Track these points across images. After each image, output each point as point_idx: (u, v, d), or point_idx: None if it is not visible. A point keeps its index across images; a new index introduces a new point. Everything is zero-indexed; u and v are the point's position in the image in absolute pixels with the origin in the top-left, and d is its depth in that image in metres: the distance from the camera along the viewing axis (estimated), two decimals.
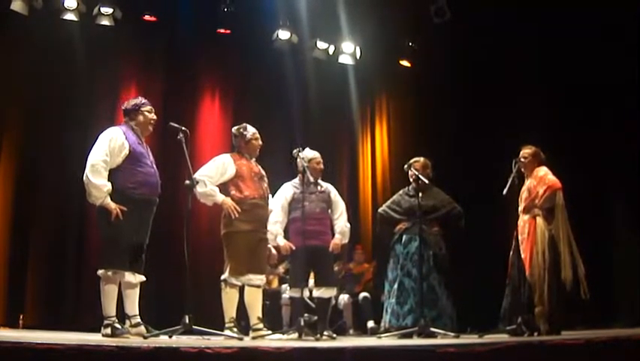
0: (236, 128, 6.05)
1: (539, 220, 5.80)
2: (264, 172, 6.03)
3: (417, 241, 6.34)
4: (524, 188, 6.00)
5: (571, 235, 5.74)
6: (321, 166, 6.58)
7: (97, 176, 4.97)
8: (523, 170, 6.03)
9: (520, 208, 5.95)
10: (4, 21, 8.21)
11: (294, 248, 6.31)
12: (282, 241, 6.38)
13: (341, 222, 6.59)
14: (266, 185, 5.97)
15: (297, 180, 6.52)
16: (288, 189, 6.48)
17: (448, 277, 6.51)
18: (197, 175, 5.62)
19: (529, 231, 5.81)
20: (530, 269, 5.70)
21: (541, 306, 5.57)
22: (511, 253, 5.98)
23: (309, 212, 6.20)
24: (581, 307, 5.76)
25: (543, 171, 5.94)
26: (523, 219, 5.91)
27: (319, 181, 6.62)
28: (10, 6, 8.05)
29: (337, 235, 6.53)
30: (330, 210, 6.61)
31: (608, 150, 8.51)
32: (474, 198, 7.72)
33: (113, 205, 4.97)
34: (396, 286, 6.46)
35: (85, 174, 5.00)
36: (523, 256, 5.75)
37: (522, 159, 6.01)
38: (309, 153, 6.55)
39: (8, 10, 8.05)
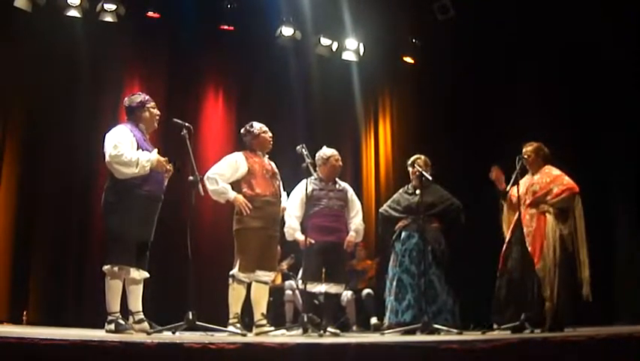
0: (243, 128, 6.10)
1: (550, 217, 5.83)
2: (276, 170, 6.05)
3: (415, 237, 6.39)
4: (529, 182, 6.00)
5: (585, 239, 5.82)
6: (340, 163, 6.62)
7: (125, 165, 4.98)
8: (527, 167, 6.06)
9: (527, 202, 5.92)
10: (8, 18, 8.22)
11: (312, 242, 6.25)
12: (300, 236, 6.39)
13: (357, 221, 6.60)
14: (278, 182, 6.00)
15: (315, 178, 6.53)
16: (302, 188, 6.49)
17: (448, 272, 6.51)
18: (209, 173, 5.74)
19: (538, 225, 5.83)
20: (540, 263, 5.70)
21: (551, 302, 5.60)
22: (505, 245, 5.98)
23: (327, 209, 6.28)
24: (586, 307, 5.79)
25: (556, 170, 6.00)
26: (529, 213, 5.90)
27: (337, 180, 6.65)
28: (14, 3, 8.07)
29: (352, 233, 6.54)
30: (346, 209, 6.61)
31: (609, 148, 8.50)
32: (476, 194, 7.71)
33: (162, 159, 5.07)
34: (395, 282, 6.50)
35: (118, 174, 5.00)
36: (530, 248, 5.75)
37: (525, 157, 6.01)
38: (327, 151, 6.59)
39: (12, 7, 8.07)
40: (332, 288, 6.41)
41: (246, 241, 5.73)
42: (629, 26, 7.98)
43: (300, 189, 6.44)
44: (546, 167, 6.05)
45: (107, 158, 5.01)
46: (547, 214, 5.85)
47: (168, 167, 5.13)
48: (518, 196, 5.86)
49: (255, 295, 5.79)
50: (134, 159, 4.98)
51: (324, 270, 6.49)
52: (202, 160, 7.98)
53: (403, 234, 6.62)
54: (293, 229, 6.44)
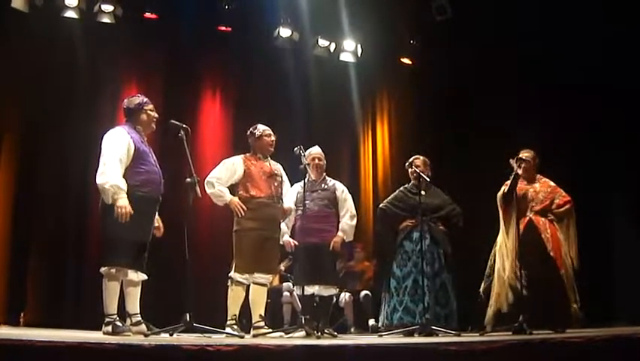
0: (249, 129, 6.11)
1: (557, 225, 6.19)
2: (278, 171, 6.05)
3: (427, 238, 6.28)
4: (532, 189, 6.28)
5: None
6: (317, 162, 6.52)
7: (112, 176, 4.95)
8: (523, 172, 6.20)
9: (535, 208, 6.21)
10: (5, 18, 8.21)
11: (296, 244, 6.34)
12: (287, 239, 6.40)
13: (345, 220, 6.51)
14: (277, 184, 6.00)
15: (307, 180, 6.53)
16: (296, 189, 6.49)
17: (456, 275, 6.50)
18: (207, 177, 5.82)
19: (552, 233, 6.13)
20: (563, 268, 5.99)
21: (576, 304, 5.93)
22: (516, 249, 6.01)
23: (308, 210, 6.22)
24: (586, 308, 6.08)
25: (551, 181, 6.35)
26: (541, 220, 6.19)
27: (326, 178, 6.60)
28: (11, 3, 8.05)
29: (339, 233, 6.47)
30: (335, 208, 6.54)
31: (609, 151, 8.50)
32: (474, 196, 7.70)
33: (120, 205, 4.91)
34: (409, 283, 6.36)
35: (99, 178, 4.97)
36: (552, 254, 6.02)
37: (530, 161, 6.26)
38: (309, 150, 6.55)
39: (9, 8, 8.06)
40: (322, 290, 6.35)
41: (241, 243, 5.79)
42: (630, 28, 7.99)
43: (291, 194, 6.41)
44: (540, 176, 6.38)
45: (102, 162, 5.02)
46: (554, 223, 6.20)
47: (123, 215, 4.92)
48: (518, 200, 6.10)
49: (253, 297, 5.80)
50: (105, 173, 4.95)
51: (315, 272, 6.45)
52: (200, 162, 7.97)
53: (415, 234, 6.47)
54: (282, 232, 6.42)
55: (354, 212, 6.59)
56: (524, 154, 6.26)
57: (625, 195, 8.52)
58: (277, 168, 6.11)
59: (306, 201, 6.24)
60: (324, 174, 6.63)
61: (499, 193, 6.27)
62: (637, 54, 8.04)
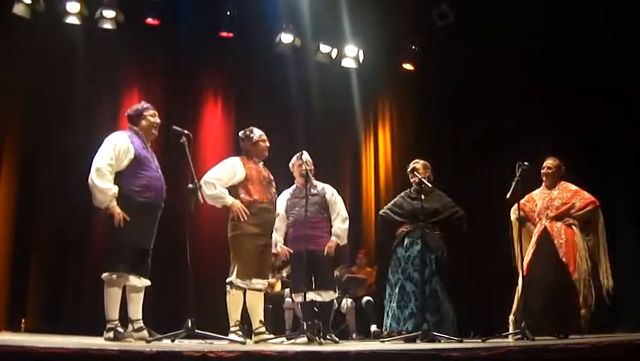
0: (242, 131, 6.02)
1: (576, 229, 6.21)
2: (272, 177, 6.01)
3: (419, 244, 6.21)
4: (548, 196, 6.36)
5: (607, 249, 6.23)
6: (304, 166, 6.47)
7: (102, 179, 4.97)
8: (544, 179, 6.44)
9: (550, 215, 6.26)
10: (6, 24, 8.22)
11: (291, 252, 6.35)
12: (279, 248, 6.38)
13: (337, 224, 6.45)
14: (274, 190, 5.97)
15: (293, 187, 6.53)
16: (284, 197, 6.48)
17: (449, 281, 6.45)
18: (206, 177, 5.69)
19: (567, 237, 6.16)
20: (577, 273, 6.01)
21: (587, 309, 5.93)
22: (530, 256, 6.16)
23: (300, 217, 6.20)
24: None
25: (573, 185, 6.41)
26: (556, 226, 6.22)
27: (314, 183, 6.52)
28: (12, 9, 8.07)
29: (332, 238, 6.41)
30: (327, 212, 6.50)
31: (610, 155, 8.50)
32: (476, 202, 7.68)
33: (117, 210, 4.96)
34: (397, 289, 6.32)
35: (90, 178, 5.00)
36: (564, 259, 6.06)
37: (547, 169, 6.42)
38: (295, 155, 6.50)
39: (10, 14, 8.07)
40: (320, 296, 6.31)
41: (242, 247, 5.67)
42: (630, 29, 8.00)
43: (280, 203, 6.37)
44: (562, 182, 6.43)
45: (95, 162, 5.04)
46: (573, 227, 6.22)
47: (117, 218, 4.98)
48: (539, 212, 6.28)
49: (250, 302, 5.72)
50: (109, 182, 4.99)
51: (313, 278, 6.40)
52: (201, 167, 7.94)
53: (406, 240, 6.42)
54: (275, 241, 6.38)
55: (345, 214, 6.53)
56: (549, 162, 6.43)
57: (625, 195, 8.51)
58: (269, 173, 6.08)
59: (296, 208, 6.34)
60: (313, 178, 6.61)
61: (514, 217, 6.32)
62: (637, 54, 8.05)
